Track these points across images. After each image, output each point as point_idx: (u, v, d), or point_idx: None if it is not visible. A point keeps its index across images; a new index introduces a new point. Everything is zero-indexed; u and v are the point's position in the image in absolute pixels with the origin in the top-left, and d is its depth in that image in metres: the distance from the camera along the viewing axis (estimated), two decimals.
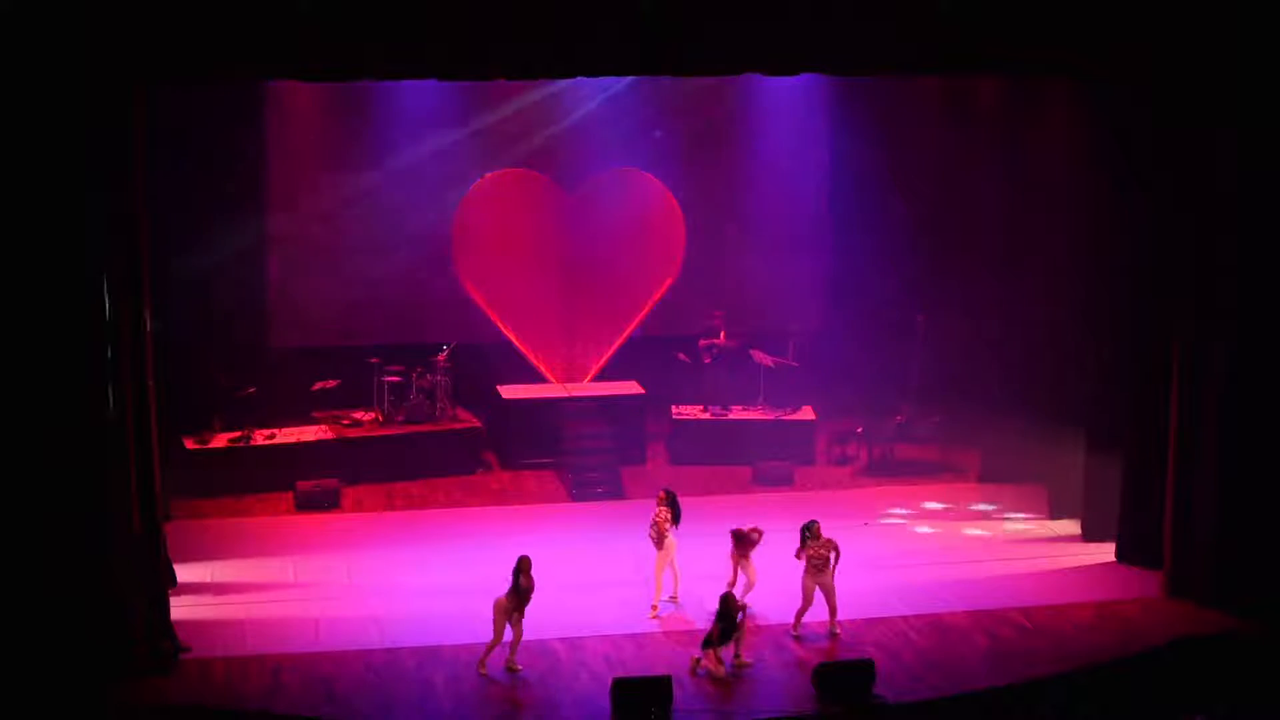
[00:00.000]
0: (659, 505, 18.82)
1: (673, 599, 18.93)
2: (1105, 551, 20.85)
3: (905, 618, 18.85)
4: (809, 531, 18.11)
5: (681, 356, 25.36)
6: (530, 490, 23.73)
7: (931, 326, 25.18)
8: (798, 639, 18.08)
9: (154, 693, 16.81)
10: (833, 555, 18.06)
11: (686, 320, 25.84)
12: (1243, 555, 19.06)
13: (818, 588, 18.08)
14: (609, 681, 16.59)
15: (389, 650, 17.87)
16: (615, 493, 23.12)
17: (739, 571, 18.70)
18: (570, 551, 20.74)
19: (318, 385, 24.14)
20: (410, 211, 24.85)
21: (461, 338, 25.10)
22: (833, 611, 18.28)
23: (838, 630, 18.31)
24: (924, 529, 21.98)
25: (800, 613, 18.25)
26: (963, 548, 21.31)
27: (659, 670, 16.93)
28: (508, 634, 17.27)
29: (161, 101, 19.09)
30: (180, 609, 18.35)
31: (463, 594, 19.29)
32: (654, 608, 18.81)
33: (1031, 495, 22.69)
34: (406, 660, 17.60)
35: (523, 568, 17.32)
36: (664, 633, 18.35)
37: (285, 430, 23.74)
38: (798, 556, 18.11)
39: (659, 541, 18.78)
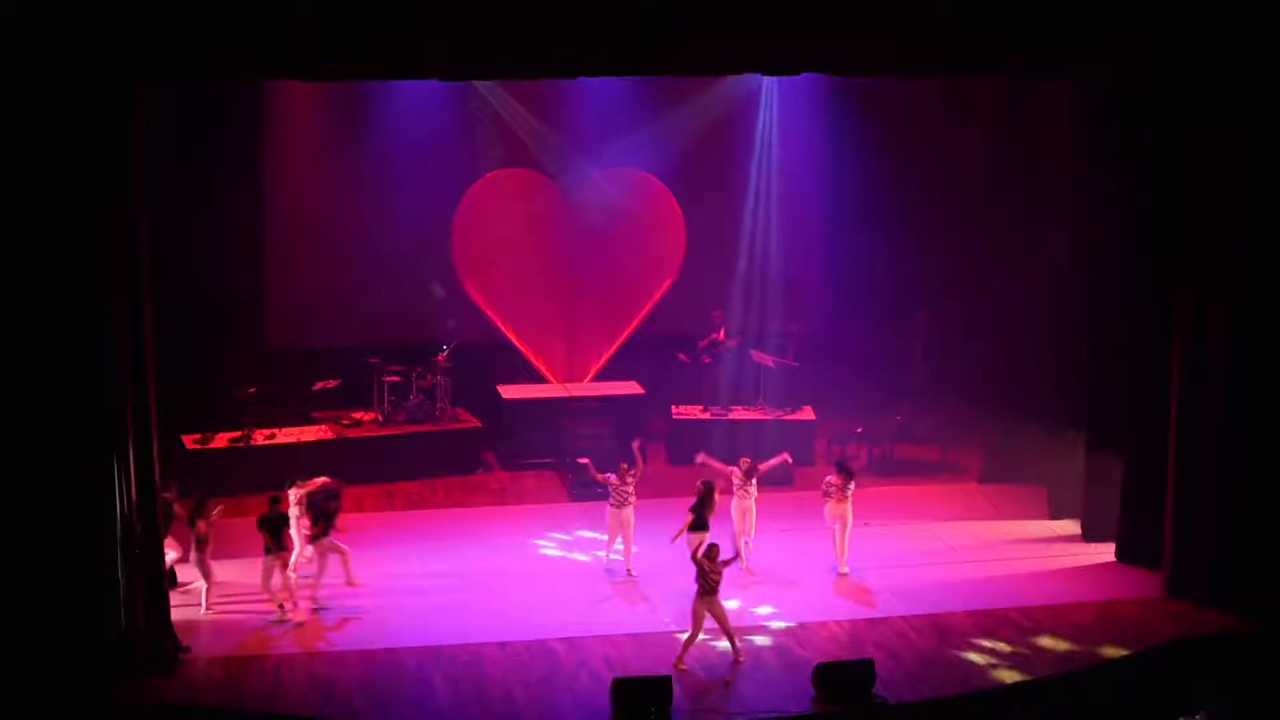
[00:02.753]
0: (623, 475, 19.99)
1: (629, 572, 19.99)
2: (1105, 551, 20.86)
3: (905, 618, 18.87)
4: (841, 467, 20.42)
5: (682, 356, 25.38)
6: (530, 490, 23.72)
7: (932, 326, 25.17)
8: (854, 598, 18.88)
9: (154, 693, 16.83)
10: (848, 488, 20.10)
11: (687, 320, 25.87)
12: (1242, 555, 19.08)
13: (836, 520, 20.04)
14: (609, 681, 16.61)
15: (389, 650, 17.88)
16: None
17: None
18: (570, 552, 20.76)
19: (318, 385, 24.14)
20: (410, 211, 24.83)
21: (461, 338, 25.11)
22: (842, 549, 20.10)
23: (846, 570, 19.82)
24: (924, 529, 21.98)
25: (837, 547, 19.99)
26: (963, 548, 21.32)
27: (659, 670, 16.95)
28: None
29: (161, 101, 19.09)
30: (180, 609, 18.37)
31: (463, 594, 19.32)
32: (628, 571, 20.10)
33: (1031, 495, 22.69)
34: (406, 660, 17.62)
35: (708, 554, 17.62)
36: (664, 633, 18.36)
37: (285, 430, 23.74)
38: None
39: (620, 506, 19.93)
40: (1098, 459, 21.05)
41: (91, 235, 16.74)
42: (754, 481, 20.29)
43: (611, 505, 20.05)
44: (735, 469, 20.33)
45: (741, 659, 17.59)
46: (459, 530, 21.76)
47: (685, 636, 17.69)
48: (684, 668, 17.41)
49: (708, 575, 17.50)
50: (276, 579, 18.72)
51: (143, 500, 17.59)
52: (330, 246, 24.88)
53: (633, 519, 20.04)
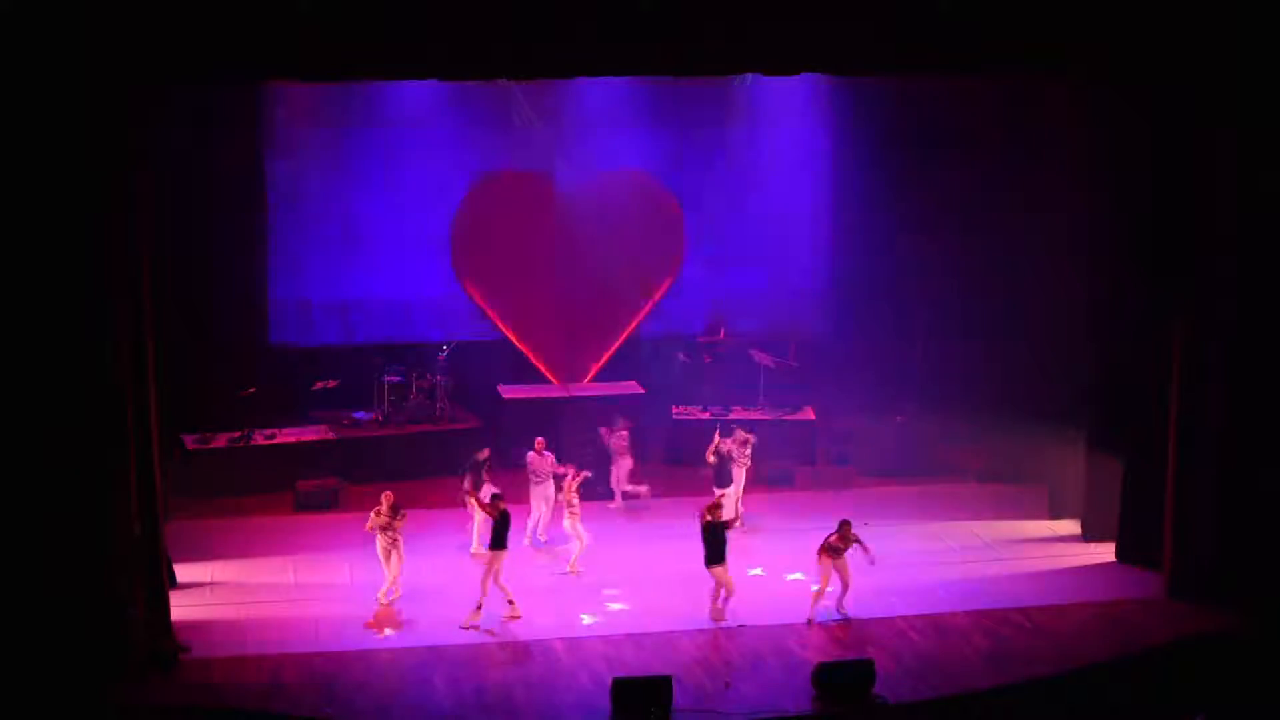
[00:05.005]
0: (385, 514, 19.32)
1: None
2: (1105, 551, 20.87)
3: (905, 618, 18.87)
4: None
5: (681, 356, 25.37)
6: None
7: (932, 326, 25.16)
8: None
9: (154, 693, 16.84)
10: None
11: (687, 320, 25.86)
12: (1242, 555, 19.08)
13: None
14: (609, 681, 16.62)
15: (389, 650, 17.89)
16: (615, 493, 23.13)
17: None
18: (570, 552, 20.74)
19: (318, 385, 24.14)
20: (410, 211, 24.83)
21: (461, 338, 25.10)
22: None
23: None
24: (924, 529, 21.97)
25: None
26: (963, 548, 21.31)
27: (659, 670, 16.95)
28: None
29: (162, 101, 19.08)
30: (180, 609, 18.37)
31: (463, 594, 19.31)
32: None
33: (1031, 495, 22.68)
34: (406, 660, 17.62)
35: (840, 530, 18.86)
36: (664, 633, 18.36)
37: (285, 430, 23.74)
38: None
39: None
40: (1098, 459, 21.05)
41: (91, 235, 16.75)
42: (748, 453, 21.73)
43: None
44: (731, 441, 21.72)
45: (847, 612, 18.79)
46: (458, 530, 21.72)
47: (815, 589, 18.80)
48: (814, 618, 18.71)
49: (832, 548, 18.72)
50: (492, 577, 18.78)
51: (143, 500, 17.60)
52: (330, 246, 24.87)
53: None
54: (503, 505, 19.00)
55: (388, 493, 19.39)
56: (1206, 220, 19.06)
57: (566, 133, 25.12)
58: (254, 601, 19.20)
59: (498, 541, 18.74)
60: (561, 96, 24.73)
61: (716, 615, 18.61)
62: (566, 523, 20.27)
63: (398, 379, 24.41)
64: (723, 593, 18.67)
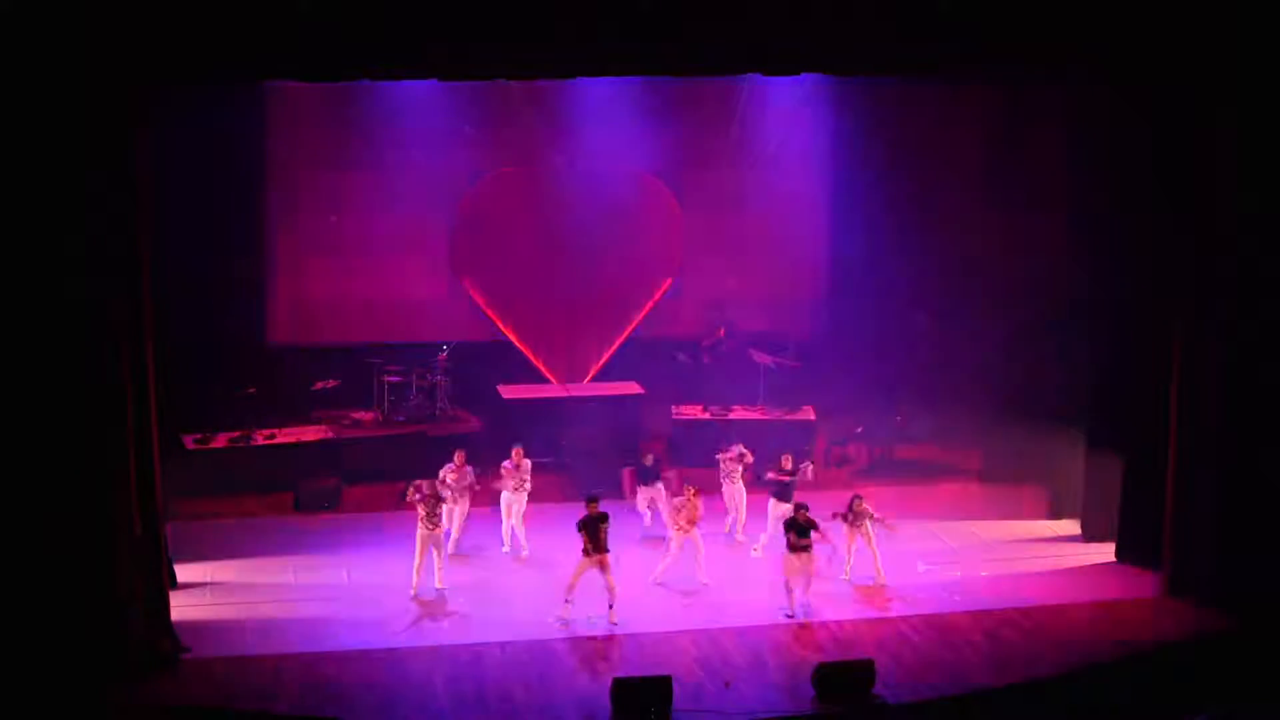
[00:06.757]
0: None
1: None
2: (1105, 551, 20.87)
3: (905, 618, 18.88)
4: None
5: (681, 356, 25.37)
6: (530, 490, 23.65)
7: (932, 326, 25.16)
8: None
9: (154, 693, 16.83)
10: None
11: (687, 320, 25.87)
12: (1243, 555, 19.08)
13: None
14: (609, 681, 16.61)
15: (389, 650, 17.89)
16: (615, 493, 23.10)
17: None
18: (570, 552, 20.71)
19: (318, 385, 24.14)
20: (410, 211, 24.84)
21: (461, 338, 25.11)
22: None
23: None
24: (924, 529, 21.97)
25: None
26: (963, 548, 21.31)
27: (659, 670, 16.95)
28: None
29: (162, 101, 19.09)
30: (180, 609, 18.37)
31: (463, 594, 19.32)
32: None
33: (1031, 495, 22.69)
34: (406, 660, 17.62)
35: (850, 505, 19.86)
36: (664, 633, 18.36)
37: (285, 430, 23.73)
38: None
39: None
40: (1098, 459, 21.06)
41: (91, 235, 16.76)
42: (741, 468, 21.26)
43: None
44: (728, 455, 21.31)
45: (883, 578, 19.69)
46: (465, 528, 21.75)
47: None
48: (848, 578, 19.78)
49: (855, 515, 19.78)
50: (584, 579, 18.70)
51: (143, 500, 17.60)
52: (330, 246, 24.88)
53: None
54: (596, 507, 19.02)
55: (461, 451, 20.27)
56: (1206, 220, 19.06)
57: (566, 132, 25.12)
58: (254, 601, 19.20)
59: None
60: (561, 96, 24.73)
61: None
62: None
63: (398, 379, 24.42)
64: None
